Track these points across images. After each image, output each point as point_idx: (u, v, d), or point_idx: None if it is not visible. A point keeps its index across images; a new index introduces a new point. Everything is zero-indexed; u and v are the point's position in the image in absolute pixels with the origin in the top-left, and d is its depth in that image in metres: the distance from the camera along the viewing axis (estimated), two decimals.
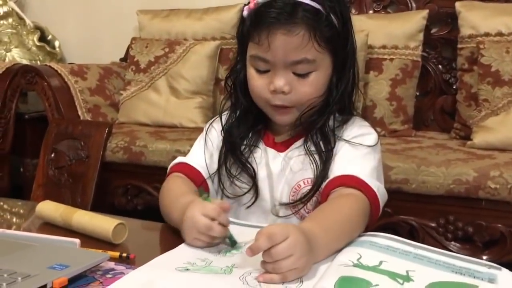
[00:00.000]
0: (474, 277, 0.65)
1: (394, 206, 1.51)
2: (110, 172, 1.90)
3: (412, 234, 1.54)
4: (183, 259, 0.69)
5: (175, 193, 0.88)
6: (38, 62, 2.60)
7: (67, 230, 0.83)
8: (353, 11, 2.20)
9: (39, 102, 2.16)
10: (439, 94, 2.11)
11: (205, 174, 0.95)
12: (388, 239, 0.74)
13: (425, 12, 2.02)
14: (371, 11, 2.21)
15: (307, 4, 0.83)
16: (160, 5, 2.45)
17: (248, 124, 0.94)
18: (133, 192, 1.91)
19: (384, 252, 0.70)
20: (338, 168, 0.86)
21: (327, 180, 0.86)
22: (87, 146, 1.90)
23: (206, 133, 0.99)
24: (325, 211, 0.79)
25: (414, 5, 2.14)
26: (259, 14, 0.84)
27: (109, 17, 2.72)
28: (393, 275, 0.64)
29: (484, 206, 1.46)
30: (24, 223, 0.99)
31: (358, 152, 0.88)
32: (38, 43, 2.70)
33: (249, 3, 0.87)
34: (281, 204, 0.91)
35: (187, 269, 0.66)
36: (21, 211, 1.06)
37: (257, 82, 0.88)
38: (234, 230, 0.76)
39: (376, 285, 0.61)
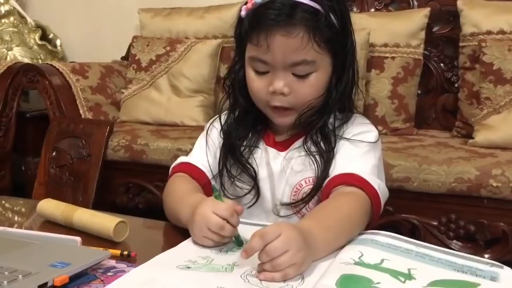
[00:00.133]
0: (476, 275, 0.65)
1: (395, 204, 1.50)
2: (111, 170, 1.90)
3: (413, 232, 1.54)
4: (185, 257, 0.69)
5: (181, 192, 0.87)
6: (40, 61, 2.60)
7: (68, 228, 0.83)
8: (354, 9, 2.20)
9: (41, 101, 2.16)
10: (441, 93, 2.10)
11: (208, 173, 0.94)
12: (389, 237, 0.74)
13: (427, 10, 2.01)
14: (372, 9, 2.20)
15: (306, 4, 0.82)
16: (161, 3, 2.45)
17: (248, 124, 0.94)
18: (135, 190, 1.91)
19: (385, 250, 0.70)
20: (339, 167, 0.86)
21: (328, 179, 0.85)
22: (89, 144, 1.90)
23: (207, 133, 0.99)
24: (324, 209, 0.79)
25: (415, 3, 2.14)
26: (257, 15, 0.83)
27: (110, 15, 2.72)
28: (394, 273, 0.64)
29: (486, 205, 1.46)
30: (25, 221, 0.99)
31: (358, 150, 0.87)
32: (39, 42, 2.70)
33: (246, 3, 0.86)
34: (282, 204, 0.91)
35: (189, 267, 0.66)
36: (23, 209, 1.06)
37: (256, 84, 0.87)
38: (239, 228, 0.75)
39: (378, 283, 0.61)
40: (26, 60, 2.53)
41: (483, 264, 0.68)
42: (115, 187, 1.93)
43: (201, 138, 0.99)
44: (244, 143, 0.93)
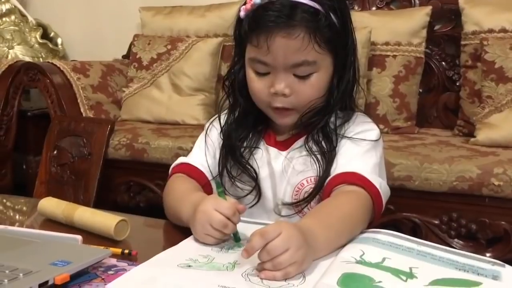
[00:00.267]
0: (478, 274, 0.65)
1: (396, 203, 1.50)
2: (112, 169, 1.90)
3: (415, 231, 1.54)
4: (185, 256, 0.69)
5: (182, 191, 0.87)
6: (41, 59, 2.60)
7: (69, 227, 0.83)
8: (356, 7, 2.20)
9: (42, 99, 2.16)
10: (443, 91, 2.10)
11: (207, 173, 0.94)
12: (391, 235, 0.74)
13: (428, 9, 2.01)
14: (374, 8, 2.20)
15: (306, 5, 0.81)
16: (162, 1, 2.45)
17: (248, 125, 0.93)
18: (136, 189, 1.91)
19: (387, 248, 0.70)
20: (340, 165, 0.86)
21: (329, 178, 0.85)
22: (90, 143, 1.90)
23: (206, 133, 0.98)
24: (324, 208, 0.78)
25: (417, 1, 2.13)
26: (257, 17, 0.82)
27: (111, 14, 2.72)
28: (396, 272, 0.64)
29: (488, 203, 1.46)
30: (26, 220, 0.99)
31: (360, 149, 0.87)
32: (40, 40, 2.70)
33: (245, 3, 0.85)
34: (284, 204, 0.91)
35: (189, 266, 0.66)
36: (24, 208, 1.06)
37: (257, 85, 0.87)
38: (239, 226, 0.75)
39: (379, 281, 0.61)
40: (27, 59, 2.52)
41: (485, 262, 0.68)
42: (116, 185, 1.93)
43: (201, 138, 0.99)
44: (244, 144, 0.93)
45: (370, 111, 1.92)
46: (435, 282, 0.62)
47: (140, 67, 2.23)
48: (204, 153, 0.96)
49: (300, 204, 0.89)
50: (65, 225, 0.84)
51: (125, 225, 0.79)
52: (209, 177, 0.94)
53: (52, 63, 2.12)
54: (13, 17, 2.72)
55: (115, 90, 2.26)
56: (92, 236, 0.78)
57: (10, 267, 0.59)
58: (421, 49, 1.99)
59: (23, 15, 2.75)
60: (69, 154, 1.92)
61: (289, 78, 0.84)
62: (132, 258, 0.71)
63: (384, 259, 0.67)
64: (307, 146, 0.89)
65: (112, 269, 0.67)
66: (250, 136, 0.93)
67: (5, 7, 2.72)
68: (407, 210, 1.55)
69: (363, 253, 0.68)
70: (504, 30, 1.81)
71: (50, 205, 0.88)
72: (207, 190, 0.91)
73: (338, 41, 0.85)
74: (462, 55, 1.95)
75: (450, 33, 2.08)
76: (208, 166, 0.95)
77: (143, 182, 1.89)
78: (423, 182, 1.49)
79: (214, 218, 0.72)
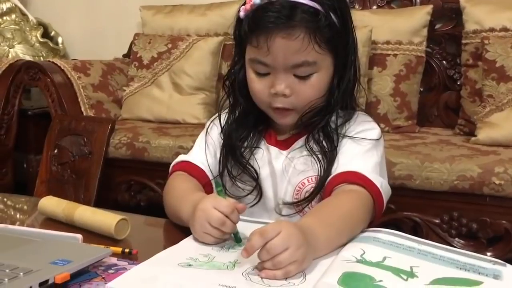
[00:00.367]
0: (479, 273, 0.65)
1: (397, 202, 1.50)
2: (113, 168, 1.90)
3: (415, 230, 1.54)
4: (186, 255, 0.69)
5: (182, 190, 0.87)
6: (41, 58, 2.60)
7: (69, 226, 0.83)
8: (356, 6, 2.20)
9: (42, 98, 2.16)
10: (443, 90, 2.10)
11: (207, 172, 0.94)
12: (391, 235, 0.74)
13: (429, 8, 2.01)
14: (375, 7, 2.20)
15: (306, 5, 0.80)
16: (163, 0, 2.45)
17: (248, 125, 0.93)
18: (136, 188, 1.91)
19: (387, 248, 0.70)
20: (341, 165, 0.86)
21: (330, 177, 0.85)
22: (90, 142, 1.90)
23: (207, 132, 0.98)
24: (325, 207, 0.78)
25: (418, 0, 2.13)
26: (256, 18, 0.82)
27: (112, 13, 2.72)
28: (397, 271, 0.63)
29: (489, 203, 1.46)
30: (27, 219, 0.99)
31: (361, 148, 0.87)
32: (41, 39, 2.70)
33: (245, 3, 0.84)
34: (285, 203, 0.91)
35: (190, 265, 0.66)
36: (24, 207, 1.06)
37: (257, 85, 0.87)
38: (239, 225, 0.75)
39: (380, 281, 0.61)
40: (28, 58, 2.52)
41: (486, 262, 0.68)
42: (116, 184, 1.93)
43: (201, 137, 0.99)
44: (245, 144, 0.93)
45: (371, 110, 1.92)
46: (436, 281, 0.62)
47: (141, 66, 2.23)
48: (204, 152, 0.96)
49: (301, 204, 0.89)
50: (66, 224, 0.84)
51: (126, 224, 0.79)
52: (209, 176, 0.94)
53: (52, 62, 2.12)
54: (13, 16, 2.72)
55: (116, 89, 2.26)
56: (92, 235, 0.78)
57: (10, 266, 0.59)
58: (422, 48, 1.98)
59: (23, 14, 2.75)
60: (70, 153, 1.92)
61: (289, 78, 0.84)
62: (132, 257, 0.71)
63: (385, 258, 0.67)
64: (308, 146, 0.89)
65: (113, 268, 0.67)
66: (251, 136, 0.93)
67: (5, 6, 2.72)
68: (408, 209, 1.55)
69: (364, 252, 0.68)
70: (505, 29, 1.81)
71: (51, 204, 0.88)
72: (208, 189, 0.91)
73: (339, 41, 0.85)
74: (463, 54, 1.95)
75: (451, 32, 2.08)
76: (208, 165, 0.95)
77: (143, 181, 1.89)
78: (424, 181, 1.49)
79: (212, 216, 0.72)
